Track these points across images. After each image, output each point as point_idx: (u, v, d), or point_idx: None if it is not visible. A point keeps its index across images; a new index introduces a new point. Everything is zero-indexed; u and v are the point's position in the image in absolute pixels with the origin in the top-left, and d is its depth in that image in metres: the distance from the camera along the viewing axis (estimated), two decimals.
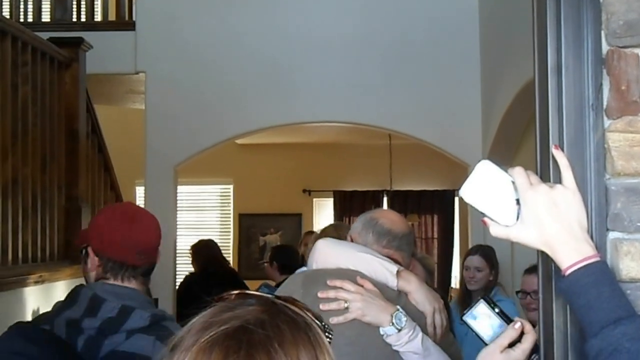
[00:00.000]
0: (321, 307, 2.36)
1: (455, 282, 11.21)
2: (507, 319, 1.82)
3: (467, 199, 1.58)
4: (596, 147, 1.61)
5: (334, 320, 2.33)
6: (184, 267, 8.04)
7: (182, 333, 1.15)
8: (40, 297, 5.20)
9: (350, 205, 11.87)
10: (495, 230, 1.58)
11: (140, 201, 11.14)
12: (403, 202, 11.62)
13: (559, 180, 1.57)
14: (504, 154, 6.50)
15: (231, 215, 12.19)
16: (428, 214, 11.94)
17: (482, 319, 1.84)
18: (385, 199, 11.77)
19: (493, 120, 6.71)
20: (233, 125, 7.69)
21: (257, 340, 1.10)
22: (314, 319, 1.19)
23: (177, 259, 7.86)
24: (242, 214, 11.92)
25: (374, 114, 7.58)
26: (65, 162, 5.53)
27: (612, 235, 1.59)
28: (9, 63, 4.76)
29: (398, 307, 2.40)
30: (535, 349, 1.76)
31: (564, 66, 1.63)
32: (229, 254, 11.76)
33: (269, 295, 1.21)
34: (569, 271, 1.49)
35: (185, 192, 11.24)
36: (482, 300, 1.88)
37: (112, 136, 7.61)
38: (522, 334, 1.75)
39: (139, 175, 8.11)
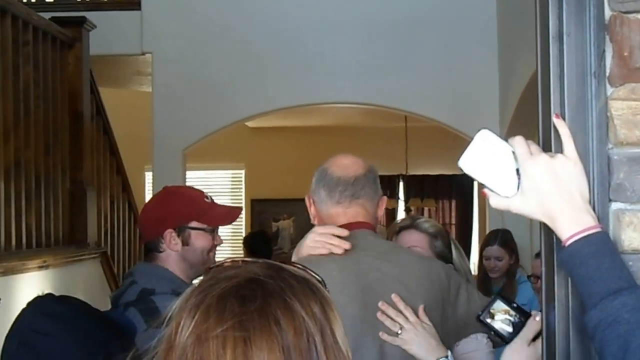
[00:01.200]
0: (378, 315, 2.32)
1: (474, 269, 11.21)
2: (525, 313, 1.86)
3: (465, 169, 1.59)
4: (598, 115, 1.62)
5: (383, 336, 2.31)
6: None
7: (185, 296, 1.18)
8: (44, 283, 5.25)
9: None
10: (495, 202, 1.59)
11: (149, 187, 11.21)
12: (419, 187, 11.62)
13: (561, 150, 1.57)
14: (522, 135, 6.44)
15: (243, 201, 12.21)
16: (446, 199, 11.96)
17: (499, 316, 1.86)
18: (401, 184, 11.76)
19: (511, 101, 6.70)
20: (243, 107, 7.69)
21: (271, 289, 1.14)
22: (314, 275, 1.23)
23: None
24: (254, 200, 11.94)
25: (389, 95, 7.57)
26: (69, 145, 5.55)
27: (614, 205, 1.60)
28: (10, 42, 4.78)
29: (448, 353, 2.33)
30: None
31: (565, 33, 1.63)
32: (241, 240, 11.80)
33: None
34: (569, 242, 1.49)
35: (196, 178, 11.28)
36: (498, 297, 1.90)
37: (120, 120, 7.65)
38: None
39: (148, 160, 8.15)
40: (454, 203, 11.97)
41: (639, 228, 1.57)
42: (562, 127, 1.59)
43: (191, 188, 3.04)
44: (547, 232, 1.69)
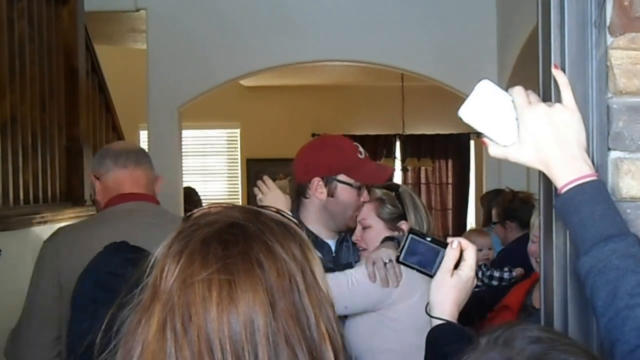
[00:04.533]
0: None
1: (470, 227, 11.28)
2: (443, 244, 1.83)
3: (465, 119, 1.62)
4: (598, 65, 1.64)
5: None
6: None
7: (166, 243, 1.23)
8: (43, 238, 5.27)
9: None
10: (493, 151, 1.61)
11: (143, 145, 11.20)
12: (416, 146, 11.64)
13: (560, 100, 1.60)
14: None
15: (239, 161, 12.23)
16: (442, 158, 11.96)
17: (418, 253, 1.85)
18: (397, 143, 11.78)
19: (509, 58, 6.71)
20: (239, 65, 7.65)
21: (252, 232, 1.20)
22: (291, 218, 1.29)
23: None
24: (250, 159, 11.94)
25: (386, 53, 7.54)
26: (65, 101, 5.53)
27: (613, 154, 1.63)
28: None
29: None
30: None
31: None
32: (238, 200, 11.85)
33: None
34: (564, 189, 1.53)
35: (191, 137, 11.28)
36: (410, 235, 1.87)
37: (115, 78, 7.60)
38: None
39: (142, 118, 8.13)
40: (450, 162, 11.98)
41: (637, 176, 1.61)
42: (561, 77, 1.61)
43: (347, 141, 3.01)
44: (546, 181, 1.72)
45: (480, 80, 1.63)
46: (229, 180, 12.32)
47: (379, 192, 3.04)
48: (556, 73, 1.62)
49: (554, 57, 1.67)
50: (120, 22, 8.20)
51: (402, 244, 1.88)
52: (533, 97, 1.59)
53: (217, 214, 1.25)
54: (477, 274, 4.82)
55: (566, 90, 1.59)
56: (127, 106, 8.09)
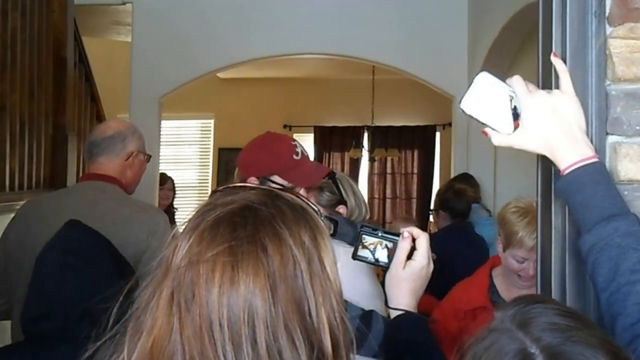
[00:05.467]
0: None
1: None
2: (395, 235, 1.82)
3: (467, 111, 1.61)
4: (598, 53, 1.65)
5: None
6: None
7: (188, 219, 1.22)
8: None
9: (331, 141, 11.92)
10: (497, 140, 1.62)
11: None
12: (384, 137, 11.66)
13: (559, 87, 1.60)
14: None
15: (211, 150, 12.19)
16: (408, 149, 11.99)
17: (371, 248, 1.83)
18: (366, 135, 11.80)
19: (480, 51, 6.73)
20: (219, 57, 7.62)
21: (262, 216, 1.18)
22: (309, 203, 1.27)
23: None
24: (222, 149, 11.91)
25: (358, 46, 7.53)
26: (53, 90, 5.49)
27: (611, 138, 1.65)
28: None
29: None
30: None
31: None
32: (208, 187, 11.84)
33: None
34: (567, 170, 1.54)
35: (166, 127, 11.15)
36: (361, 231, 1.86)
37: (94, 69, 7.54)
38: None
39: (120, 109, 8.06)
40: (416, 153, 12.02)
41: (634, 159, 1.62)
42: (559, 65, 1.62)
43: (286, 141, 2.81)
44: (544, 165, 1.73)
45: (478, 73, 1.63)
46: (200, 169, 12.28)
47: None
48: (555, 61, 1.63)
49: (555, 46, 1.68)
50: (105, 15, 8.13)
51: (356, 241, 1.85)
52: (532, 86, 1.60)
53: (234, 194, 1.24)
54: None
55: (565, 77, 1.60)
56: (105, 97, 8.00)
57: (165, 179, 6.97)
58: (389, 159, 11.88)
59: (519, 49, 6.37)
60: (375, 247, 1.83)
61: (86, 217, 2.55)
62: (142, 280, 1.24)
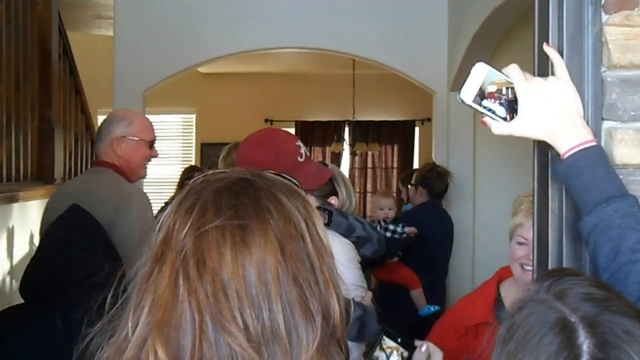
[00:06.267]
0: None
1: None
2: (411, 345, 1.92)
3: (466, 101, 1.62)
4: (594, 40, 1.68)
5: None
6: (150, 196, 8.00)
7: (176, 202, 1.24)
8: (15, 215, 5.22)
9: (312, 135, 11.93)
10: (497, 128, 1.62)
11: None
12: (364, 132, 11.69)
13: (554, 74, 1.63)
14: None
15: (193, 145, 12.15)
16: (389, 144, 12.03)
17: (388, 352, 1.90)
18: (347, 129, 11.82)
19: (460, 46, 6.73)
20: (202, 51, 7.54)
21: (260, 185, 1.23)
22: (290, 179, 1.33)
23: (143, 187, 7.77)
24: (204, 144, 11.88)
25: (339, 40, 7.48)
26: (38, 83, 5.48)
27: (606, 124, 1.67)
28: None
29: None
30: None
31: None
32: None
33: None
34: (567, 154, 1.56)
35: None
36: (383, 333, 1.93)
37: (77, 63, 7.50)
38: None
39: (102, 104, 8.00)
40: (396, 147, 12.06)
41: (629, 144, 1.65)
42: (553, 53, 1.64)
43: (291, 140, 2.68)
44: (540, 150, 1.75)
45: (475, 63, 1.64)
46: (182, 164, 12.23)
47: None
48: (548, 50, 1.65)
49: (552, 33, 1.70)
50: (87, 9, 8.09)
51: (374, 340, 1.92)
52: (528, 74, 1.62)
53: (225, 172, 1.27)
54: (374, 227, 5.32)
55: (559, 64, 1.62)
56: (89, 92, 7.95)
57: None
58: (369, 153, 11.91)
59: (499, 42, 6.41)
60: (392, 353, 1.89)
61: (75, 199, 2.90)
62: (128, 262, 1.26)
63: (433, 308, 5.57)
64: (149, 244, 1.23)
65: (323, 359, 1.16)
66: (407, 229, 5.48)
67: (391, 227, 5.45)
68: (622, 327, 1.14)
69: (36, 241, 5.30)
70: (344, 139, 11.63)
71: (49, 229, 2.67)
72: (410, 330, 2.07)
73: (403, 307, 5.37)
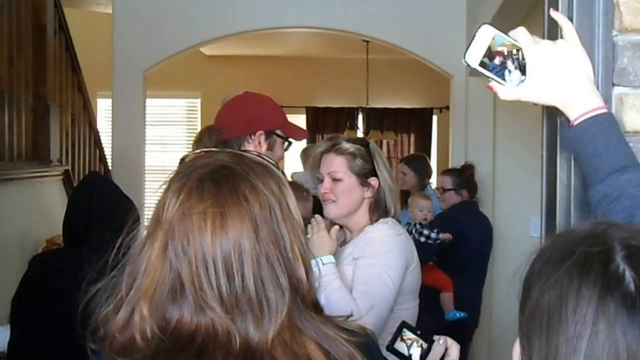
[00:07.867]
0: None
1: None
2: (430, 338, 2.09)
3: (471, 63, 1.64)
4: (605, 2, 1.71)
5: None
6: (152, 184, 8.02)
7: (168, 182, 1.50)
8: (9, 194, 5.26)
9: (324, 122, 11.94)
10: (503, 93, 1.65)
11: (103, 114, 11.10)
12: (379, 119, 11.66)
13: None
14: None
15: (198, 130, 12.12)
16: (405, 132, 12.03)
17: (409, 343, 2.10)
18: (360, 116, 11.82)
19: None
20: (205, 29, 7.53)
21: (238, 172, 1.46)
22: (268, 160, 1.57)
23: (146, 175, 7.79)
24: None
25: (351, 20, 7.43)
26: (32, 58, 5.51)
27: (617, 89, 1.71)
28: None
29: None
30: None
31: None
32: None
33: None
34: (578, 120, 1.58)
35: (151, 106, 11.12)
36: (404, 326, 2.13)
37: (74, 42, 7.52)
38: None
39: (100, 86, 8.01)
40: (412, 136, 12.05)
41: None
42: (560, 17, 1.66)
43: (272, 100, 3.17)
44: (549, 117, 1.79)
45: (481, 25, 1.66)
46: (187, 151, 12.24)
47: (349, 146, 3.07)
48: (555, 15, 1.67)
49: None
50: None
51: (394, 333, 2.12)
52: (536, 37, 1.64)
53: (209, 157, 1.51)
54: (410, 230, 5.37)
55: (568, 27, 1.64)
56: (87, 72, 7.97)
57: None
58: (384, 142, 11.89)
59: (520, 23, 6.38)
60: (412, 344, 2.10)
61: None
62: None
63: (459, 314, 5.59)
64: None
65: (292, 324, 1.41)
66: (441, 235, 5.53)
67: (425, 232, 5.50)
68: None
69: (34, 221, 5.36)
70: (357, 127, 11.62)
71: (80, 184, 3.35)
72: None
73: (432, 309, 5.38)
